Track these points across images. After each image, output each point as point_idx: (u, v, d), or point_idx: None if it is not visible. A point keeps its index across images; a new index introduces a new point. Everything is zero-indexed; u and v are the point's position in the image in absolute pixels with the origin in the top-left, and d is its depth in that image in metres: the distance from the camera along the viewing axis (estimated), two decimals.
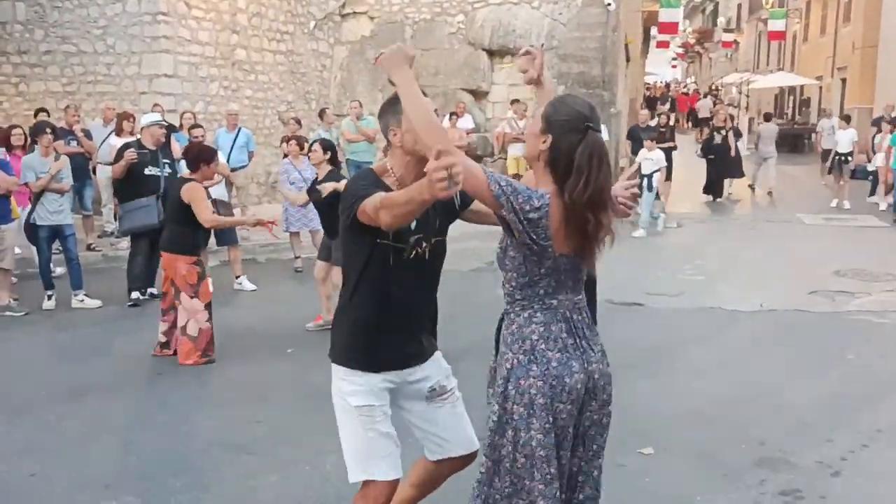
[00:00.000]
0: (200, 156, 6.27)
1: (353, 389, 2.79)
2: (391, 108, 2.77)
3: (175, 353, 6.23)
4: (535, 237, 2.40)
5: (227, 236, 8.71)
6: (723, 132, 15.74)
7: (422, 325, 2.93)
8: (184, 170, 8.50)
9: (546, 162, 2.46)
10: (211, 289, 6.28)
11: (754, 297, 8.23)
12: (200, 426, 5.03)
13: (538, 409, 2.42)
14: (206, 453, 4.58)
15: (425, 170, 2.21)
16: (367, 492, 2.81)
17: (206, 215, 6.07)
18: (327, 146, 6.87)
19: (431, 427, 2.96)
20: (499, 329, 2.63)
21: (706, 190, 15.91)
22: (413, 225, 2.72)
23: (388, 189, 2.68)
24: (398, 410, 2.96)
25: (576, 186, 2.36)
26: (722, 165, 15.66)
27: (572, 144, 2.39)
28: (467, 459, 3.02)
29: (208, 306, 6.18)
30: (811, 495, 4.05)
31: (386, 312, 2.78)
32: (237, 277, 8.75)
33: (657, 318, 7.65)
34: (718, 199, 15.73)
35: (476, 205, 2.85)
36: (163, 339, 6.36)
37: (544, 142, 2.46)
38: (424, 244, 2.80)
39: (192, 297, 6.10)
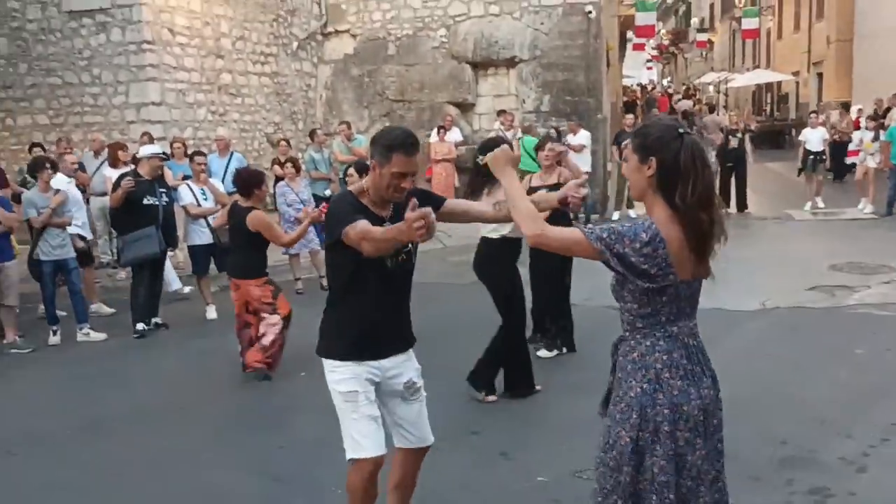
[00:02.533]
0: (251, 181, 6.47)
1: (340, 378, 3.25)
2: (378, 145, 3.19)
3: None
4: (654, 271, 2.43)
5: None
6: (738, 135, 14.46)
7: (399, 323, 3.40)
8: (183, 199, 8.55)
9: (657, 185, 2.48)
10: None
11: (754, 297, 8.33)
12: (226, 454, 5.04)
13: (663, 437, 2.47)
14: (239, 482, 4.60)
15: (406, 217, 2.72)
16: (356, 467, 3.27)
17: (283, 238, 6.43)
18: (361, 168, 7.09)
19: (402, 421, 3.45)
20: (615, 351, 2.66)
21: (723, 204, 14.29)
22: None
23: (366, 208, 3.18)
24: (379, 406, 3.37)
25: (686, 189, 2.41)
26: (742, 173, 14.31)
27: (675, 152, 2.44)
28: (423, 453, 3.55)
29: (286, 319, 6.46)
30: (840, 492, 4.11)
31: (369, 314, 3.25)
32: None
33: None
34: (746, 211, 14.23)
35: (448, 207, 3.41)
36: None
37: (649, 167, 2.48)
38: (402, 254, 3.25)
39: (272, 313, 6.38)
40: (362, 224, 3.01)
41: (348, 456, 3.26)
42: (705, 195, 2.44)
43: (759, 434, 4.88)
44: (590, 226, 2.54)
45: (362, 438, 3.22)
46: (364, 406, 3.22)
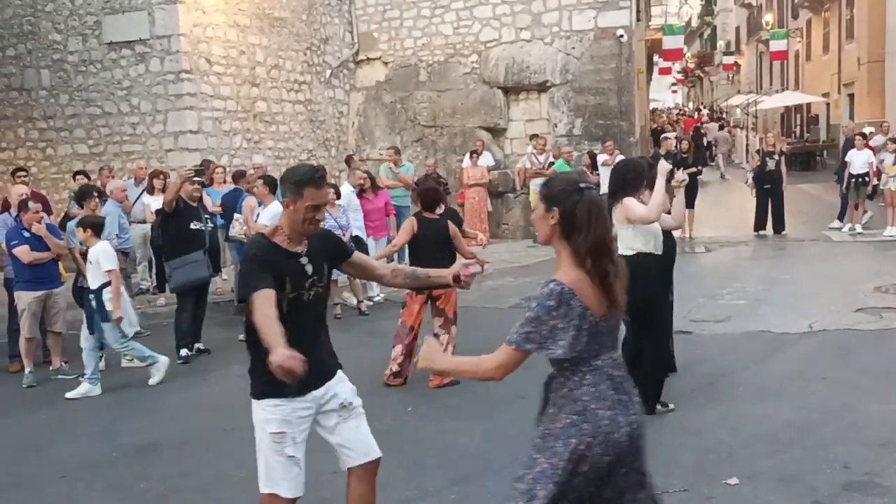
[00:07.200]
0: (438, 198, 6.92)
1: (269, 418, 3.30)
2: (289, 183, 3.31)
3: (406, 381, 6.72)
4: (576, 319, 2.62)
5: None
6: (775, 157, 14.12)
7: (322, 351, 3.41)
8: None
9: (560, 234, 2.69)
10: None
11: (800, 319, 8.21)
12: None
13: (586, 464, 2.64)
14: None
15: (281, 363, 2.85)
16: (269, 500, 3.35)
17: (466, 249, 6.80)
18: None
19: (337, 439, 3.46)
20: (546, 389, 2.81)
21: (760, 226, 14.24)
22: (310, 270, 3.32)
23: (281, 249, 3.28)
24: (316, 428, 3.45)
25: (579, 239, 2.64)
26: (779, 195, 14.07)
27: (573, 205, 2.65)
28: (371, 466, 3.50)
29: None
30: None
31: (292, 347, 3.11)
32: None
33: (707, 345, 7.62)
34: (784, 233, 14.08)
35: (356, 259, 3.58)
36: (396, 368, 6.75)
37: (552, 217, 2.68)
38: (319, 286, 3.36)
39: (454, 325, 6.74)
40: (262, 298, 3.11)
41: (263, 490, 3.35)
42: (597, 244, 2.65)
43: (819, 457, 4.79)
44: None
45: (281, 479, 3.32)
46: (289, 447, 3.31)
